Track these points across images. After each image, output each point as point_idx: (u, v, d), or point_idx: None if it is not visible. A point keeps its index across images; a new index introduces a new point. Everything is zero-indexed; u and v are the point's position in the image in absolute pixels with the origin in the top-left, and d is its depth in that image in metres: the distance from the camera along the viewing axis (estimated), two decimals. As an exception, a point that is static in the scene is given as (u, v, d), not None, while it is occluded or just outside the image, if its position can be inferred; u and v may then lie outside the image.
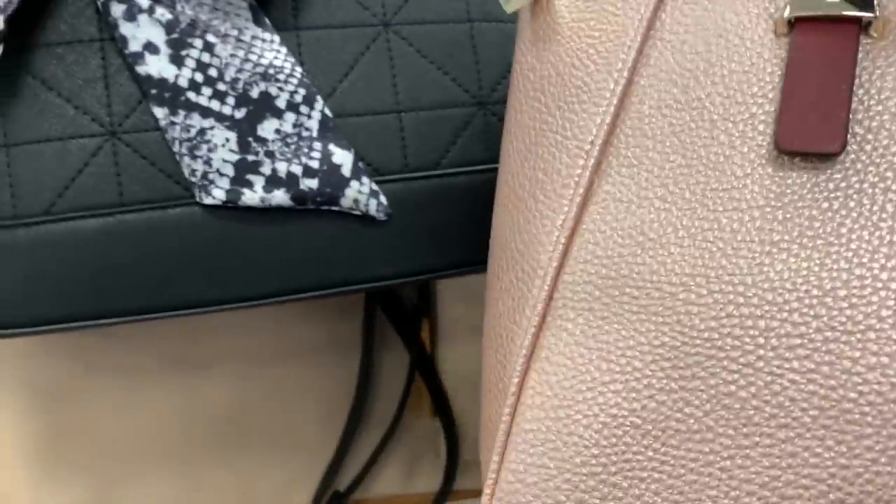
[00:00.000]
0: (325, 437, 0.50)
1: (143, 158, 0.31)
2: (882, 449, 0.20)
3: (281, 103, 0.32)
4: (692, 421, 0.22)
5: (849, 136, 0.22)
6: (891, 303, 0.20)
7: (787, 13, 0.23)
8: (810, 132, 0.22)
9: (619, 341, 0.24)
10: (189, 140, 0.31)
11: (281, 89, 0.32)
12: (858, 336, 0.21)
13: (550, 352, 0.25)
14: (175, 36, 0.30)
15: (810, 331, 0.21)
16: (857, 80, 0.22)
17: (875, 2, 0.23)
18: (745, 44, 0.24)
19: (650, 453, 0.23)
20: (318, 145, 0.32)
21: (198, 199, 0.31)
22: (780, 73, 0.23)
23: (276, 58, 0.32)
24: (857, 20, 0.23)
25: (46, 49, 0.31)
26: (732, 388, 0.22)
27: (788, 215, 0.22)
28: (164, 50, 0.30)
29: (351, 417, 0.50)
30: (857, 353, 0.21)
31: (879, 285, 0.21)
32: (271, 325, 0.48)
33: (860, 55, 0.23)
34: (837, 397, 0.21)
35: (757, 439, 0.21)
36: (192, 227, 0.32)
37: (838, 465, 0.20)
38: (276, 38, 0.32)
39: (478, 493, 0.57)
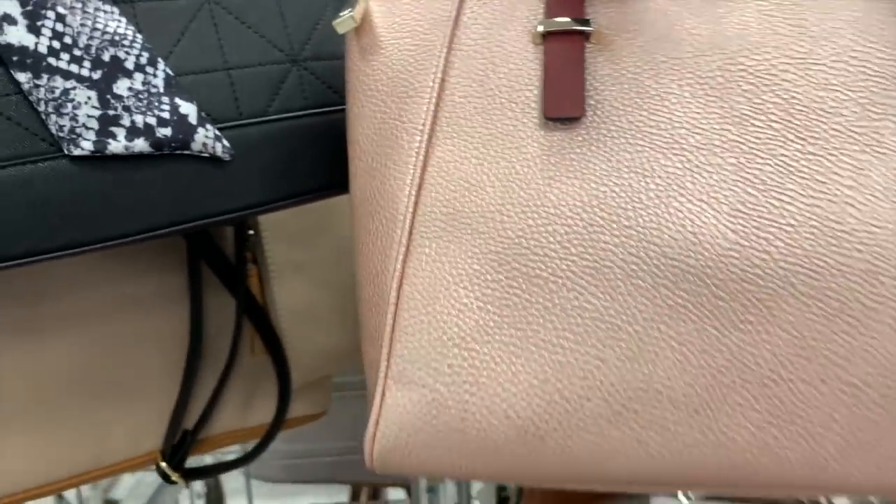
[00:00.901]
0: (168, 383, 0.55)
1: (8, 119, 0.35)
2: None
3: (129, 65, 0.37)
4: (516, 298, 0.33)
5: (585, 106, 0.34)
6: (614, 205, 0.32)
7: (540, 29, 0.35)
8: (563, 105, 0.34)
9: (462, 254, 0.34)
10: (54, 100, 0.35)
11: (128, 53, 0.37)
12: (605, 228, 0.32)
13: (416, 270, 0.34)
14: (29, 8, 0.34)
15: (578, 229, 0.33)
16: (586, 71, 0.34)
17: (591, 20, 0.35)
18: (516, 50, 0.35)
19: (492, 324, 0.33)
20: (165, 99, 0.38)
21: (66, 152, 0.36)
22: (540, 68, 0.35)
23: (118, 26, 0.37)
24: (582, 32, 0.35)
25: None
26: (537, 271, 0.33)
27: (557, 160, 0.33)
28: (21, 21, 0.34)
29: (189, 363, 0.55)
30: (607, 238, 0.32)
31: (612, 195, 0.33)
32: (105, 284, 0.51)
33: (587, 55, 0.35)
34: (599, 267, 0.32)
35: (556, 302, 0.32)
36: (61, 178, 0.36)
37: (599, 314, 0.32)
38: (116, 9, 0.38)
39: (309, 418, 0.65)
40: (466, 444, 0.33)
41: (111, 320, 0.52)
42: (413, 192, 0.34)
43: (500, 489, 0.62)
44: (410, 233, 0.34)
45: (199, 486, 1.08)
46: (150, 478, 0.97)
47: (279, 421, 0.61)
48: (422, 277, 0.34)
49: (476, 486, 0.79)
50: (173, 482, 0.55)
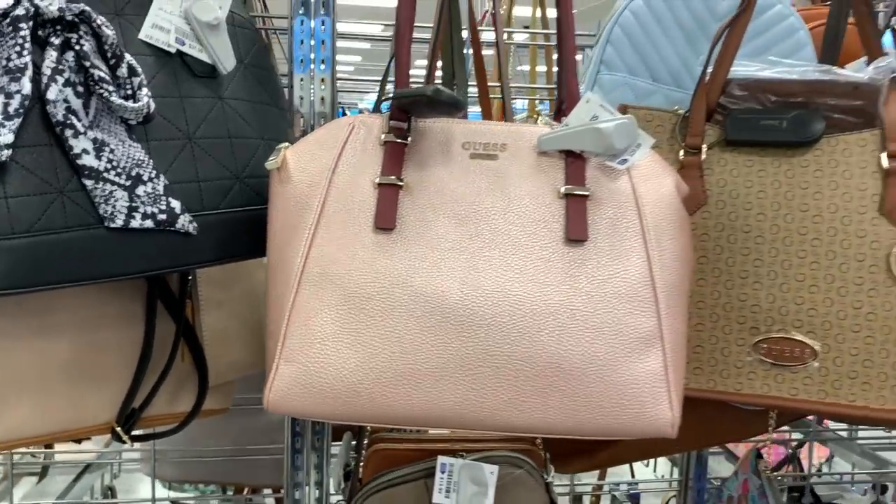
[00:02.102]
0: (125, 375, 0.81)
1: (76, 204, 0.63)
2: (419, 332, 0.63)
3: (145, 178, 0.66)
4: (354, 319, 0.63)
5: (395, 222, 0.65)
6: (404, 274, 0.64)
7: (377, 180, 0.67)
8: (384, 221, 0.66)
9: (326, 295, 0.64)
10: (104, 196, 0.63)
11: (144, 170, 0.66)
12: (399, 285, 0.64)
13: (300, 303, 0.64)
14: (97, 145, 0.63)
15: (387, 285, 0.64)
16: (398, 205, 0.66)
17: (403, 178, 0.67)
18: (365, 189, 0.67)
19: (339, 331, 0.63)
20: (163, 199, 0.67)
21: (106, 225, 0.64)
22: (375, 200, 0.66)
23: (140, 154, 0.66)
24: (397, 185, 0.67)
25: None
26: (366, 306, 0.64)
27: (379, 249, 0.65)
28: (92, 151, 0.63)
29: (140, 364, 0.82)
30: (399, 291, 0.64)
31: (404, 268, 0.64)
32: (88, 305, 0.78)
33: (399, 195, 0.67)
34: (395, 306, 0.63)
35: (374, 322, 0.63)
36: (100, 240, 0.64)
37: (394, 329, 0.63)
38: (138, 144, 0.67)
39: (217, 411, 0.92)
40: (322, 396, 0.63)
41: (90, 330, 0.79)
42: (301, 262, 0.65)
43: (346, 465, 0.90)
44: (298, 284, 0.65)
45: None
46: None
47: (196, 410, 0.88)
48: (303, 307, 0.64)
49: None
50: (123, 442, 0.81)
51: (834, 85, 0.77)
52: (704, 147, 0.79)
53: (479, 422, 0.64)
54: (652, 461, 1.82)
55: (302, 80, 1.10)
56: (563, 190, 0.67)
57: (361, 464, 0.88)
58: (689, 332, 0.78)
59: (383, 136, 0.69)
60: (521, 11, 1.85)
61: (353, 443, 0.92)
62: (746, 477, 0.94)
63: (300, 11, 1.09)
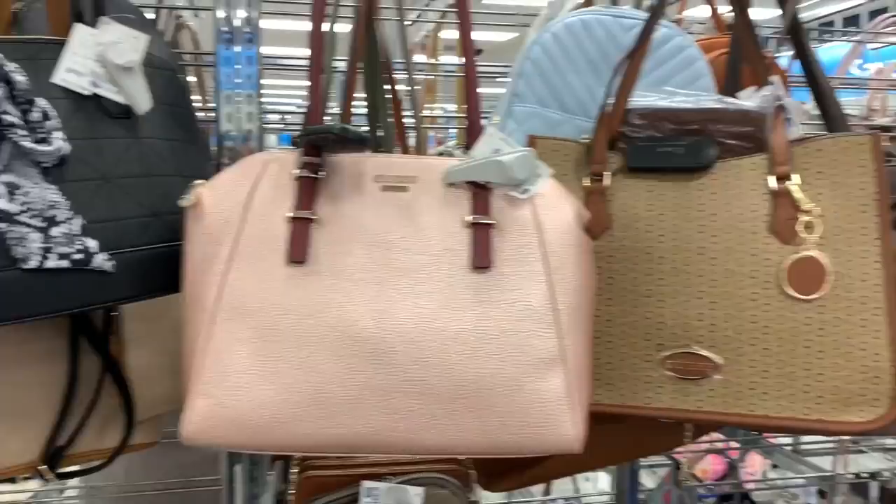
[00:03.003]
0: (49, 413, 0.82)
1: (-10, 247, 0.64)
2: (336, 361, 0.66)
3: (60, 218, 0.67)
4: (268, 351, 0.65)
5: (306, 255, 0.68)
6: (316, 304, 0.66)
7: (290, 215, 0.69)
8: (296, 254, 0.68)
9: (239, 328, 0.66)
10: (17, 238, 0.64)
11: (60, 212, 0.67)
12: (312, 315, 0.66)
13: (215, 336, 0.66)
14: (9, 189, 0.64)
15: (300, 316, 0.66)
16: (311, 238, 0.69)
17: (316, 213, 0.69)
18: (278, 224, 0.69)
19: (253, 363, 0.65)
20: (79, 239, 0.68)
21: (20, 267, 0.65)
22: (289, 234, 0.69)
23: (56, 196, 0.67)
24: (310, 219, 0.69)
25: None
26: (280, 338, 0.66)
27: (293, 281, 0.67)
28: (6, 194, 0.64)
29: (65, 401, 0.83)
30: (312, 321, 0.66)
31: (316, 299, 0.67)
32: (15, 343, 0.78)
33: (311, 229, 0.70)
34: (309, 336, 0.66)
35: (288, 353, 0.65)
36: (14, 281, 0.65)
37: (307, 360, 0.65)
38: (54, 186, 0.68)
39: (144, 445, 0.93)
40: (238, 427, 0.65)
41: (12, 368, 0.79)
42: (215, 297, 0.67)
43: (278, 493, 0.92)
44: (212, 319, 0.66)
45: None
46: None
47: (123, 445, 0.89)
48: (217, 341, 0.66)
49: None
50: (48, 480, 0.81)
51: (725, 113, 0.82)
52: (608, 174, 0.83)
53: (396, 446, 0.67)
54: (594, 475, 1.85)
55: (229, 113, 1.12)
56: (469, 219, 0.70)
57: (292, 492, 0.89)
58: (601, 349, 0.82)
59: (296, 171, 0.71)
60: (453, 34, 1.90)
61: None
62: (669, 489, 0.98)
63: (225, 42, 1.11)
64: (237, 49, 1.10)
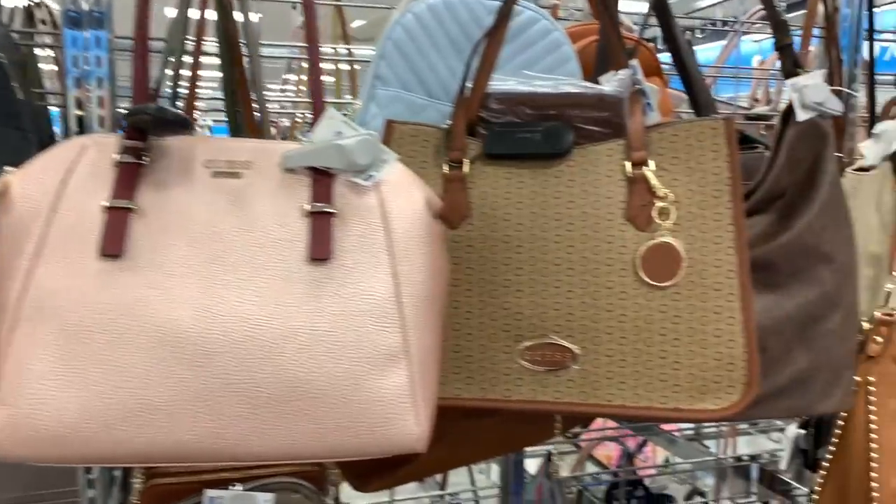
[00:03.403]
0: None
1: None
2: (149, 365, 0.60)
3: None
4: (74, 354, 0.59)
5: (122, 249, 0.62)
6: (130, 302, 0.60)
7: (105, 204, 0.63)
8: (111, 247, 0.62)
9: (42, 331, 0.60)
10: None
11: None
12: (125, 314, 0.60)
13: (15, 346, 0.59)
14: None
15: (115, 316, 0.60)
16: (129, 228, 0.63)
17: (135, 202, 0.63)
18: (93, 214, 0.62)
19: (57, 369, 0.59)
20: None
21: None
22: (103, 225, 0.63)
23: None
24: (129, 209, 0.63)
25: None
26: (88, 340, 0.59)
27: (106, 277, 0.61)
28: None
29: None
30: (126, 320, 0.60)
31: (131, 297, 0.61)
32: None
33: (131, 220, 0.63)
34: (121, 338, 0.60)
35: (98, 356, 0.59)
36: None
37: (122, 364, 0.59)
38: None
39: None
40: (42, 440, 0.59)
41: None
42: (17, 297, 0.60)
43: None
44: (14, 321, 0.60)
45: None
46: None
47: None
48: (18, 345, 0.59)
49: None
50: None
51: (582, 97, 0.80)
52: (467, 161, 0.80)
53: (223, 454, 0.61)
54: (486, 467, 1.84)
55: (77, 97, 1.04)
56: (307, 208, 0.65)
57: (136, 501, 0.83)
58: (461, 342, 0.79)
59: (116, 156, 0.65)
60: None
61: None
62: (541, 481, 0.97)
63: (71, 22, 1.03)
64: (86, 32, 1.03)
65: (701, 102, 0.97)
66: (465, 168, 0.80)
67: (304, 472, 0.82)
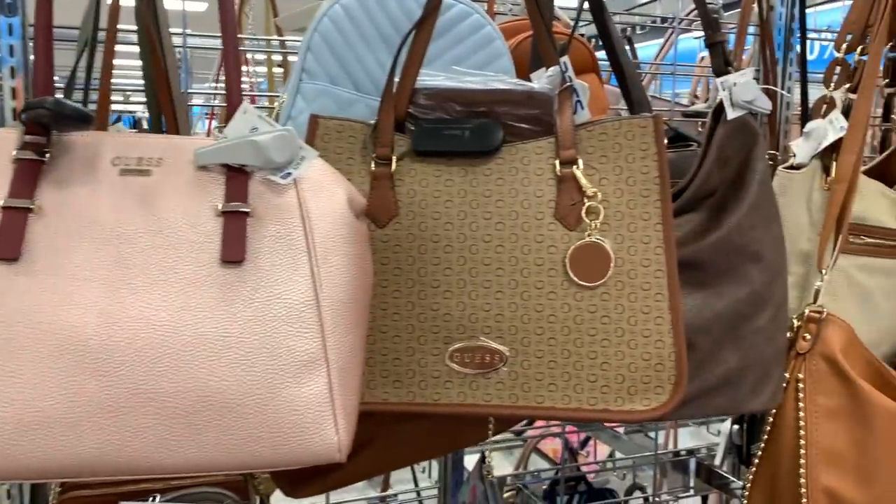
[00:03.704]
0: None
1: None
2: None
3: None
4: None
5: (20, 251, 0.58)
6: (27, 308, 0.57)
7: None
8: (6, 250, 0.58)
9: None
10: None
11: None
12: (23, 322, 0.56)
13: None
14: None
15: (12, 323, 0.56)
16: (27, 229, 0.59)
17: (36, 201, 0.60)
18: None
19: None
20: None
21: None
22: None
23: None
24: (28, 209, 0.59)
25: None
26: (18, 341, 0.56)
27: (8, 277, 0.57)
28: None
29: None
30: (21, 328, 0.56)
31: (29, 303, 0.57)
32: None
33: (30, 219, 0.59)
34: (18, 346, 0.56)
35: (13, 365, 0.55)
36: None
37: (21, 375, 0.56)
38: None
39: None
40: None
41: None
42: None
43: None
44: None
45: None
46: None
47: None
48: None
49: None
50: None
51: (510, 94, 0.78)
52: (394, 158, 0.78)
53: (125, 468, 0.58)
54: (428, 465, 1.83)
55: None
56: (220, 207, 0.63)
57: (49, 516, 0.79)
58: (388, 345, 0.77)
59: (15, 152, 0.61)
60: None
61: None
62: (474, 483, 0.95)
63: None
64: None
65: (634, 99, 0.97)
66: (393, 165, 0.78)
67: (229, 482, 0.79)
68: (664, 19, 1.58)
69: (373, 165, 0.78)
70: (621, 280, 0.74)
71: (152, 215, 0.61)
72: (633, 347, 0.74)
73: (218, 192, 0.64)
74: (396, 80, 0.79)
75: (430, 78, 0.80)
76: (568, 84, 0.78)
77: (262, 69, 1.67)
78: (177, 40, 1.23)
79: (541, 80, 0.79)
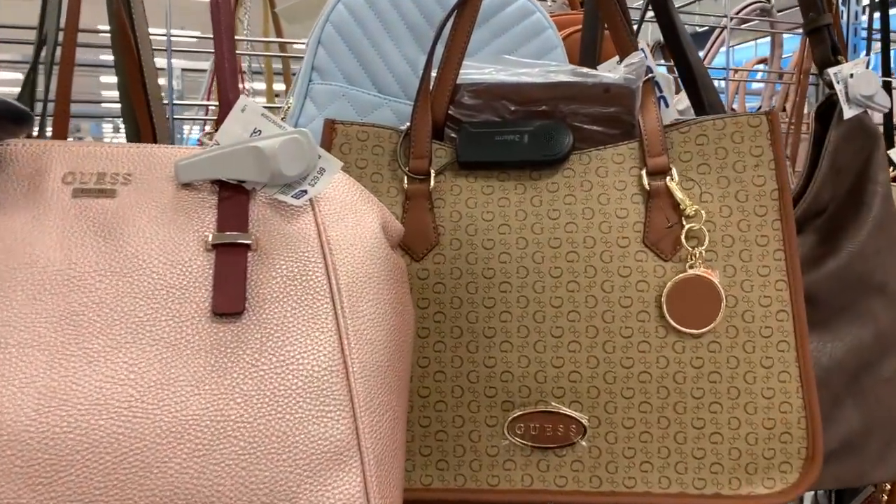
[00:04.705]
0: None
1: None
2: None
3: None
4: None
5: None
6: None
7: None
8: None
9: None
10: None
11: None
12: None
13: None
14: None
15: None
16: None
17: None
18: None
19: None
20: None
21: None
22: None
23: None
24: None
25: None
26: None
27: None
28: None
29: None
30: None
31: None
32: None
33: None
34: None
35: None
36: None
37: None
38: None
39: None
40: None
41: None
42: None
43: None
44: None
45: None
46: None
47: None
48: None
49: None
50: None
51: (582, 88, 0.62)
52: (433, 172, 0.61)
53: None
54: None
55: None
56: (211, 239, 0.46)
57: None
58: (429, 413, 0.59)
59: (-71, 168, 0.44)
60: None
61: None
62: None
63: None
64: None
65: (707, 104, 0.80)
66: (432, 181, 0.61)
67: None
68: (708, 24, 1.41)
69: (406, 182, 0.61)
70: (734, 325, 0.57)
71: (116, 252, 0.44)
72: (752, 412, 0.57)
73: (208, 218, 0.47)
74: (433, 75, 0.63)
75: (476, 71, 0.63)
76: (650, 75, 0.62)
77: (260, 86, 1.50)
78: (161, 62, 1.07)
79: (616, 72, 0.63)
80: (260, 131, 0.48)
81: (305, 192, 0.48)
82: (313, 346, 0.45)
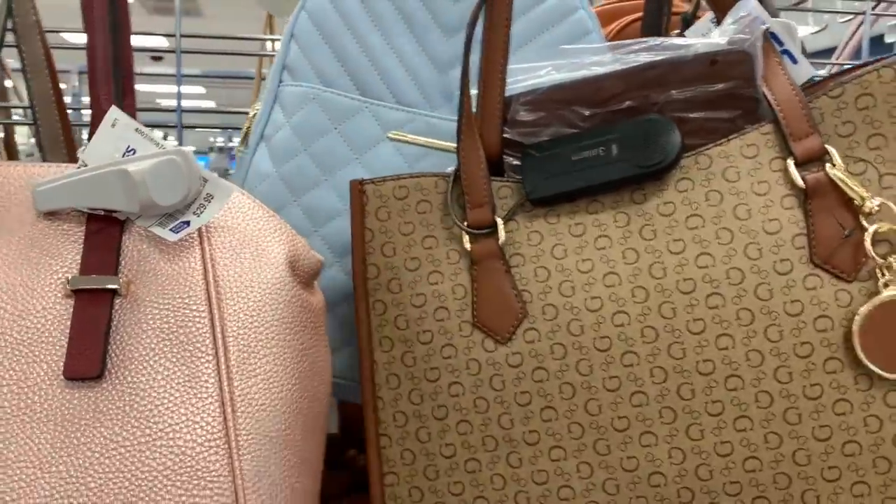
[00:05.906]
0: None
1: None
2: None
3: None
4: None
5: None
6: None
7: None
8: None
9: None
10: None
11: None
12: None
13: None
14: None
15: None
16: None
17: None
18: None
19: None
20: None
21: None
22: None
23: None
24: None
25: None
26: None
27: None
28: None
29: None
30: None
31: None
32: None
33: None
34: None
35: None
36: None
37: None
38: None
39: None
40: None
41: None
42: None
43: None
44: None
45: None
46: None
47: None
48: None
49: None
50: None
51: (675, 66, 0.45)
52: (500, 221, 0.46)
53: None
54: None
55: None
56: (69, 283, 0.33)
57: None
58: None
59: None
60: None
61: None
62: None
63: None
64: None
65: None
66: (501, 234, 0.46)
67: None
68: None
69: (467, 241, 0.46)
70: (970, 355, 0.40)
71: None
72: None
73: (70, 255, 0.35)
74: (473, 93, 0.48)
75: (527, 75, 0.48)
76: (765, 25, 0.45)
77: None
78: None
79: (714, 34, 0.46)
80: (134, 150, 0.35)
81: (188, 223, 0.35)
82: (188, 417, 0.33)
